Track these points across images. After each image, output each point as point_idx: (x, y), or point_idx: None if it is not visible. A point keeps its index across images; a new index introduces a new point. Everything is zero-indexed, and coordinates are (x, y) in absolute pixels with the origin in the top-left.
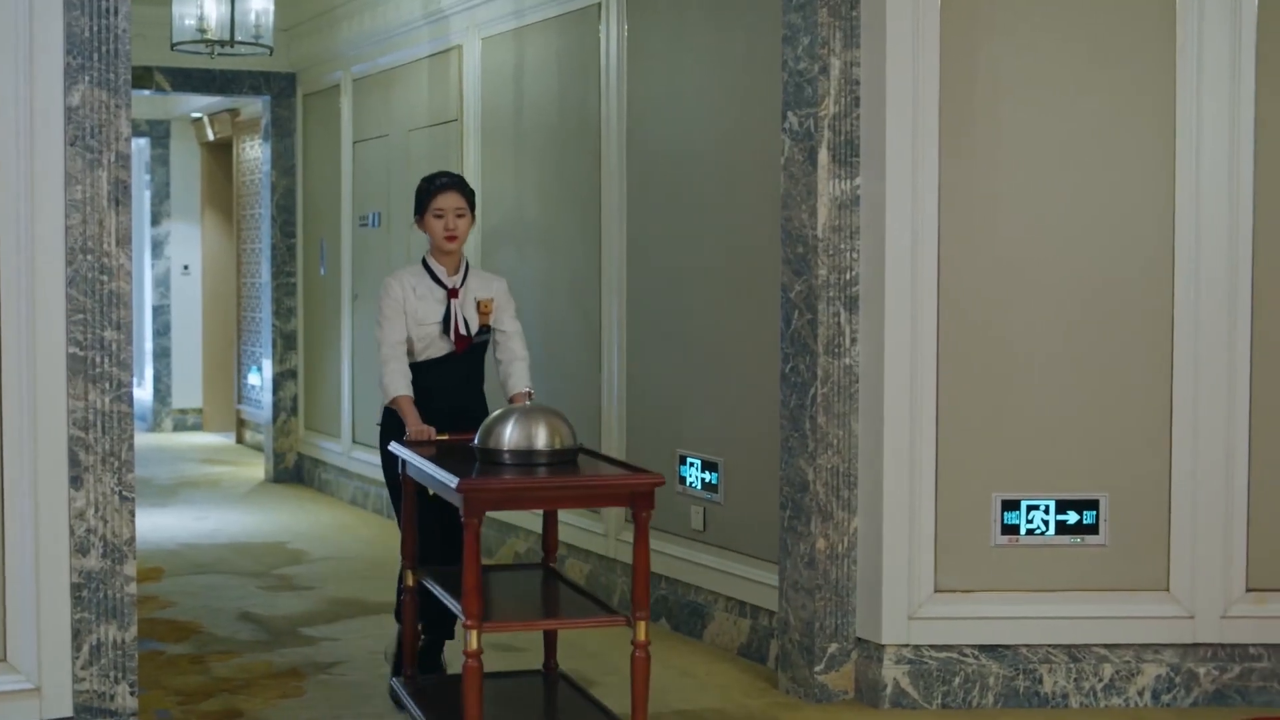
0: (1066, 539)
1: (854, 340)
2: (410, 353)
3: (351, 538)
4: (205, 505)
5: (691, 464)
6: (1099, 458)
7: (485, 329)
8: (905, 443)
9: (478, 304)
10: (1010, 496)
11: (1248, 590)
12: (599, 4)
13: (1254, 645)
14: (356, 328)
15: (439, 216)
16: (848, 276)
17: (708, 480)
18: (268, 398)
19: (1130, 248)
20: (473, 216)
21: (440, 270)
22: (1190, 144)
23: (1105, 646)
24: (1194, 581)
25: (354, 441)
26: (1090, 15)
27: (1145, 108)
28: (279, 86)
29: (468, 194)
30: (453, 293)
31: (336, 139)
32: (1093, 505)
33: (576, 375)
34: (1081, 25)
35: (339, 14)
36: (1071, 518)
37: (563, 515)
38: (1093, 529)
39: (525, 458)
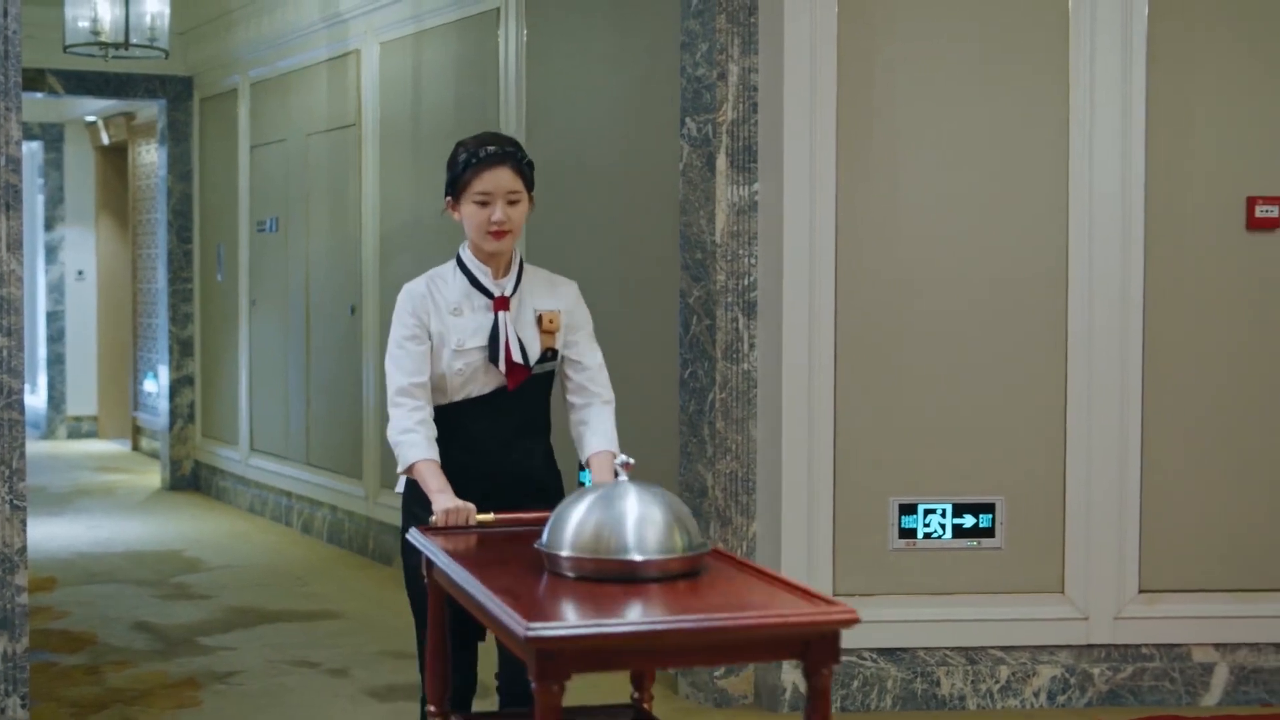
0: (963, 542)
1: (752, 345)
2: (440, 390)
3: (249, 545)
4: (100, 514)
5: (589, 472)
6: (995, 462)
7: (550, 354)
8: (803, 447)
9: (538, 318)
10: (907, 500)
11: (1140, 592)
12: (498, 9)
13: (1146, 645)
14: (254, 334)
15: (483, 203)
16: (746, 282)
17: None
18: (164, 405)
19: (1025, 252)
20: (531, 199)
21: (483, 272)
22: (1084, 147)
23: (1002, 649)
24: (1088, 584)
25: (252, 449)
26: (985, 21)
27: (1039, 111)
28: (175, 90)
29: (525, 169)
30: (501, 303)
31: (234, 143)
32: (989, 509)
33: None
34: (976, 31)
35: (236, 17)
36: (968, 521)
37: None
38: (989, 532)
39: (626, 571)
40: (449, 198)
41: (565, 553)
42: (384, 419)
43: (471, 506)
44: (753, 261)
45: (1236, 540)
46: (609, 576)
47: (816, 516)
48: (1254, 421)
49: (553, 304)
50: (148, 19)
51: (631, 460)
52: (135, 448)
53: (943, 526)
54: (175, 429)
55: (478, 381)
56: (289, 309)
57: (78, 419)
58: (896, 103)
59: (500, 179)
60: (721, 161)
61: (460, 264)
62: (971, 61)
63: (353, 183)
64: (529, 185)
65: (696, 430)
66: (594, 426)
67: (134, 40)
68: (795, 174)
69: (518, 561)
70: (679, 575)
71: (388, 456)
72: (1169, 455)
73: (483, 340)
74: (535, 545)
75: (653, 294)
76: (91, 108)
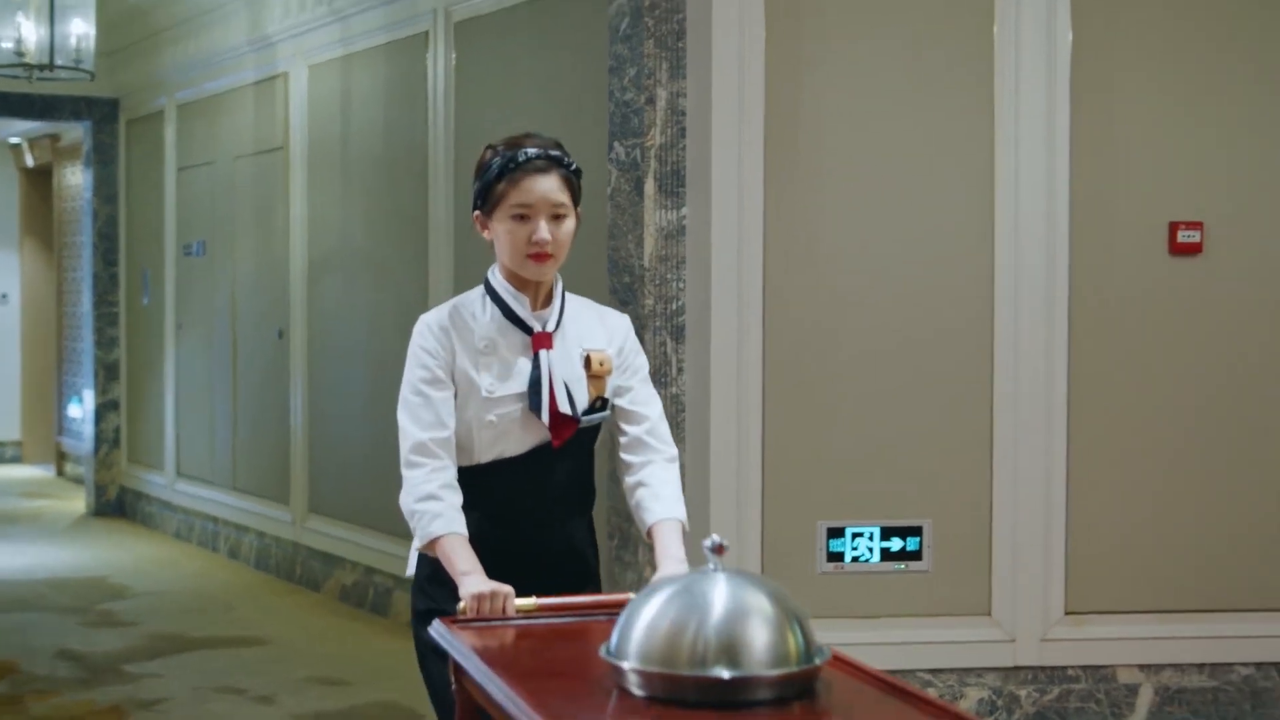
0: (891, 566)
1: (680, 369)
2: (465, 449)
3: (175, 572)
4: (23, 540)
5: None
6: (922, 485)
7: (600, 403)
8: (732, 471)
9: (586, 359)
10: (835, 524)
11: (1066, 613)
12: (426, 32)
13: (1072, 667)
14: (180, 358)
15: (521, 218)
16: (674, 306)
17: None
18: (89, 429)
19: (952, 277)
20: (578, 215)
21: (519, 301)
22: (1009, 173)
23: (930, 671)
24: (1015, 606)
25: (178, 474)
26: (911, 47)
27: (966, 137)
28: (101, 112)
29: (573, 178)
30: (543, 339)
31: (160, 166)
32: (916, 532)
33: None
34: (902, 57)
35: (163, 39)
36: (895, 544)
37: (383, 542)
38: (916, 555)
39: (714, 693)
40: (477, 211)
41: (634, 665)
42: (313, 440)
43: (509, 590)
44: (681, 285)
45: (1161, 562)
46: (691, 699)
47: (745, 539)
48: (1177, 444)
49: (603, 341)
50: (73, 40)
51: (724, 542)
52: (60, 473)
53: (870, 550)
54: (100, 454)
55: (513, 437)
56: (216, 333)
57: (1, 444)
58: (824, 128)
59: (543, 189)
60: (650, 186)
61: (490, 291)
62: (898, 88)
63: (280, 206)
64: (576, 197)
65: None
66: (657, 490)
67: (59, 62)
68: (723, 198)
69: (573, 670)
70: (788, 697)
71: (316, 479)
72: (1094, 478)
73: (520, 386)
74: (601, 652)
75: None
76: (16, 129)
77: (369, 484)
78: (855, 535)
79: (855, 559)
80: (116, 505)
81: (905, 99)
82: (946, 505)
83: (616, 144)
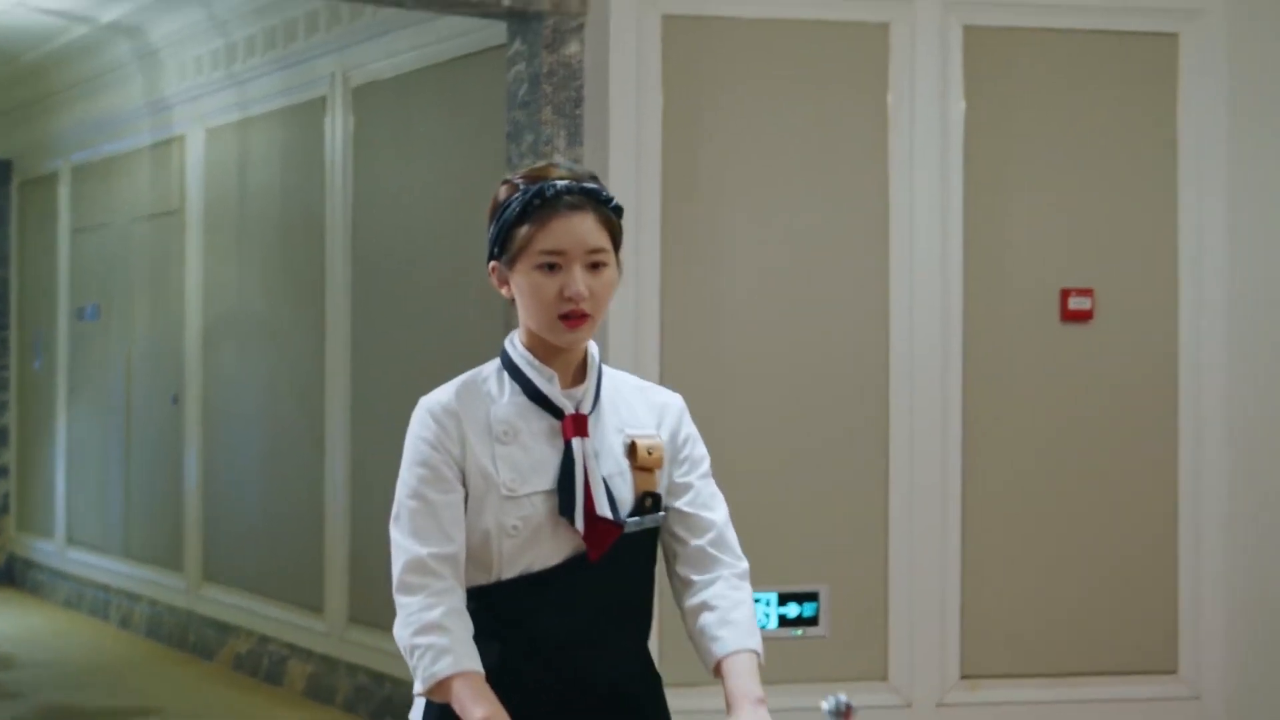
0: (787, 631)
1: None
2: (480, 562)
3: (66, 642)
4: None
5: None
6: (819, 551)
7: (651, 502)
8: None
9: (630, 447)
10: None
11: (962, 677)
12: (324, 97)
13: None
14: (72, 423)
15: (550, 268)
16: None
17: None
18: None
19: (848, 346)
20: (620, 264)
21: (546, 377)
22: (904, 244)
23: None
24: (911, 670)
25: (69, 541)
26: (808, 118)
27: (861, 208)
28: None
29: (613, 216)
30: (576, 424)
31: (54, 228)
32: (813, 598)
33: (299, 471)
34: (798, 124)
35: (58, 100)
36: (792, 610)
37: (278, 611)
38: (813, 621)
39: None
40: (494, 262)
41: None
42: (207, 506)
43: None
44: None
45: (1055, 625)
46: None
47: None
48: (1069, 509)
49: (650, 426)
50: None
51: (852, 703)
52: None
53: (767, 615)
54: None
55: (540, 548)
56: (109, 397)
57: None
58: (720, 197)
59: (577, 231)
60: None
61: (509, 365)
62: (794, 157)
63: (176, 270)
64: (617, 241)
65: None
66: (725, 613)
67: None
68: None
69: None
70: None
71: (210, 546)
72: (988, 543)
73: (548, 482)
74: None
75: None
76: None
77: (264, 550)
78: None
79: None
80: (5, 573)
81: (801, 168)
82: (843, 571)
83: None
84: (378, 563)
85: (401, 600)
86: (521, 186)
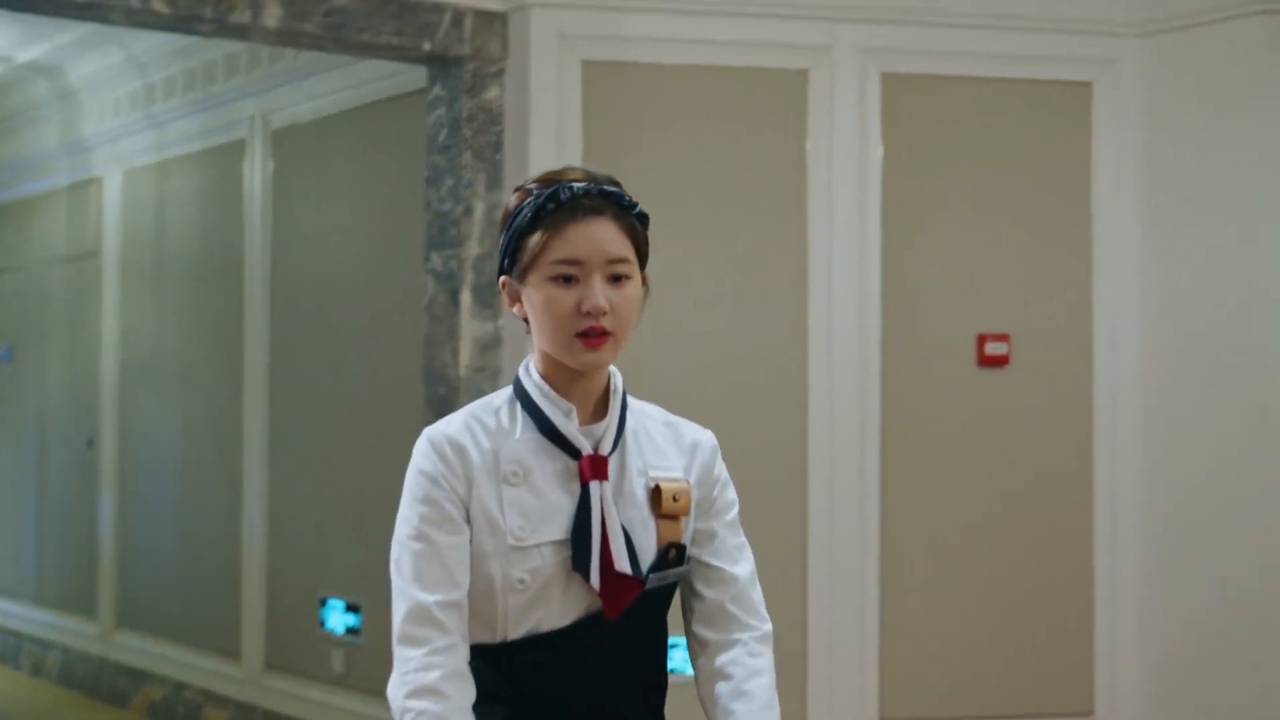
0: None
1: None
2: (482, 618)
3: None
4: None
5: (334, 606)
6: None
7: (675, 554)
8: None
9: (654, 492)
10: None
11: None
12: (243, 139)
13: None
14: None
15: (566, 280)
16: None
17: (350, 623)
18: None
19: (767, 392)
20: (646, 280)
21: (562, 411)
22: (823, 290)
23: None
24: (830, 713)
25: None
26: (727, 163)
27: (780, 253)
28: None
29: (637, 224)
30: (595, 466)
31: None
32: None
33: (216, 515)
34: (719, 170)
35: None
36: None
37: (193, 657)
38: None
39: None
40: (505, 276)
41: None
42: (122, 551)
43: None
44: None
45: (973, 667)
46: None
47: None
48: (987, 551)
49: (678, 468)
50: None
51: None
52: None
53: (685, 661)
54: None
55: (552, 604)
56: (22, 441)
57: None
58: None
59: (597, 238)
60: (466, 296)
61: (522, 395)
62: (714, 203)
63: (92, 312)
64: (643, 253)
65: None
66: (742, 684)
67: None
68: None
69: None
70: None
71: (125, 592)
72: (907, 585)
73: (560, 531)
74: None
75: (397, 428)
76: None
77: (180, 596)
78: (672, 646)
79: (671, 670)
80: None
81: (721, 213)
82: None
83: (433, 254)
84: (295, 608)
85: (401, 653)
86: (534, 191)
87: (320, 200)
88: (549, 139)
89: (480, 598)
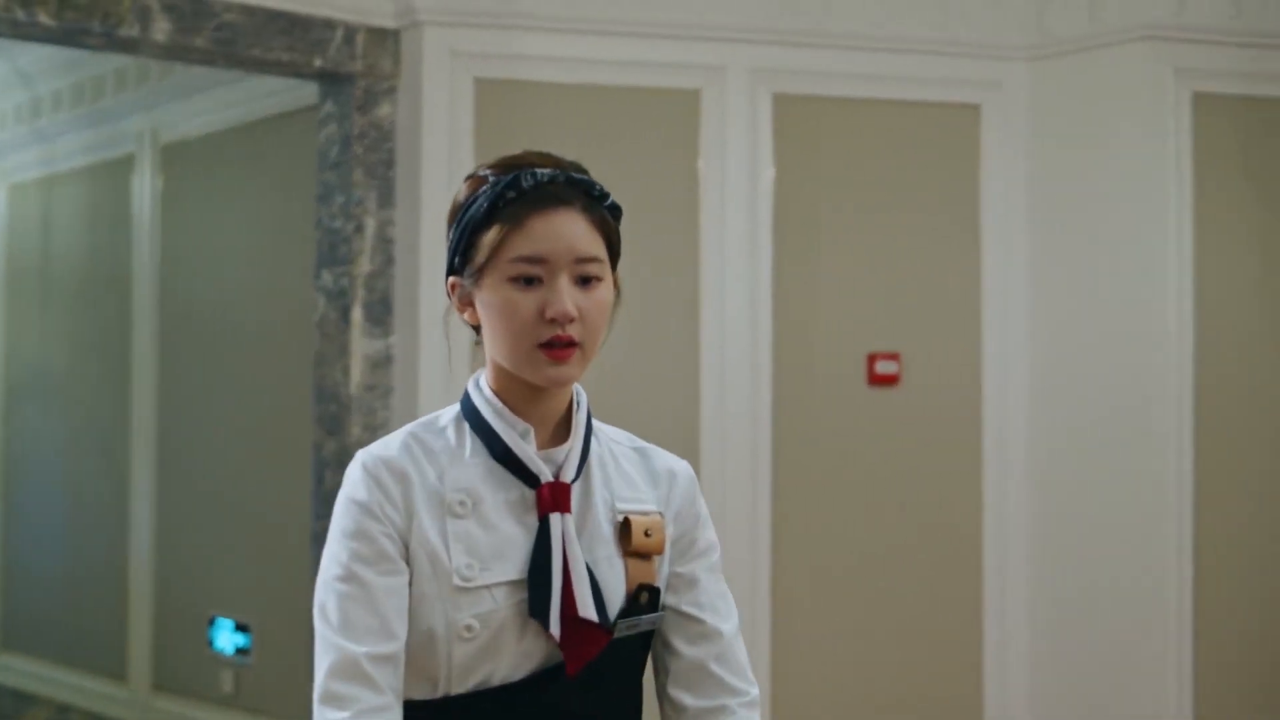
0: None
1: None
2: (426, 672)
3: None
4: None
5: (223, 626)
6: None
7: (649, 599)
8: None
9: (623, 526)
10: None
11: None
12: (132, 155)
13: None
14: None
15: (525, 281)
16: (382, 434)
17: (240, 643)
18: None
19: (659, 414)
20: (618, 286)
21: (518, 433)
22: (715, 308)
23: None
24: None
25: None
26: (618, 185)
27: (672, 277)
28: None
29: (608, 218)
30: (556, 495)
31: None
32: None
33: (103, 535)
34: (613, 193)
35: None
36: None
37: (80, 679)
38: None
39: None
40: (454, 278)
41: None
42: (5, 573)
43: None
44: (388, 415)
45: (865, 688)
46: None
47: None
48: (877, 569)
49: (650, 499)
50: None
51: None
52: None
53: None
54: None
55: (502, 656)
56: None
57: None
58: None
59: (564, 233)
60: (357, 314)
61: (471, 415)
62: None
63: None
64: (615, 253)
65: None
66: None
67: None
68: (431, 327)
69: None
70: None
71: (8, 614)
72: (797, 606)
73: (514, 570)
74: None
75: (288, 446)
76: None
77: (66, 617)
78: None
79: None
80: None
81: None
82: None
83: (324, 271)
84: (183, 627)
85: (322, 715)
86: (490, 178)
87: (210, 217)
88: (441, 156)
89: (419, 648)
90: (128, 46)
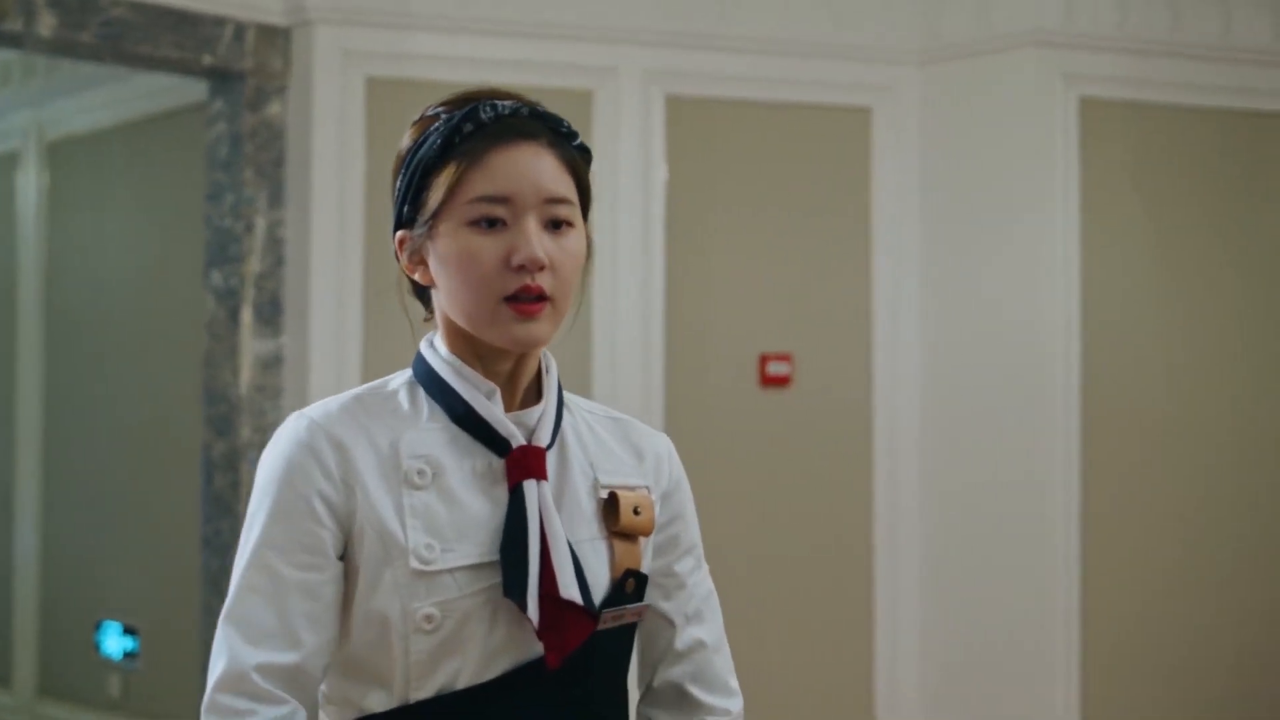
0: None
1: None
2: (379, 675)
3: None
4: None
5: (110, 629)
6: None
7: (636, 583)
8: None
9: (610, 501)
10: None
11: None
12: (17, 152)
13: None
14: None
15: (488, 224)
16: (270, 437)
17: (128, 647)
18: None
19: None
20: (590, 237)
21: (483, 392)
22: (606, 308)
23: None
24: None
25: None
26: None
27: None
28: None
29: (578, 159)
30: (526, 461)
31: None
32: None
33: None
34: None
35: None
36: None
37: None
38: None
39: None
40: (402, 231)
41: None
42: None
43: None
44: (278, 415)
45: (755, 689)
46: None
47: None
48: (767, 570)
49: (634, 475)
50: None
51: None
52: None
53: None
54: None
55: (470, 651)
56: None
57: None
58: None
59: (530, 169)
60: (247, 314)
61: (426, 377)
62: None
63: None
64: (586, 199)
65: (219, 588)
66: None
67: None
68: (322, 327)
69: None
70: None
71: None
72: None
73: (482, 551)
74: None
75: (176, 447)
76: None
77: None
78: None
79: None
80: None
81: None
82: None
83: (213, 271)
84: (70, 631)
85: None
86: (444, 115)
87: (97, 215)
88: (331, 156)
89: (370, 646)
90: (12, 41)
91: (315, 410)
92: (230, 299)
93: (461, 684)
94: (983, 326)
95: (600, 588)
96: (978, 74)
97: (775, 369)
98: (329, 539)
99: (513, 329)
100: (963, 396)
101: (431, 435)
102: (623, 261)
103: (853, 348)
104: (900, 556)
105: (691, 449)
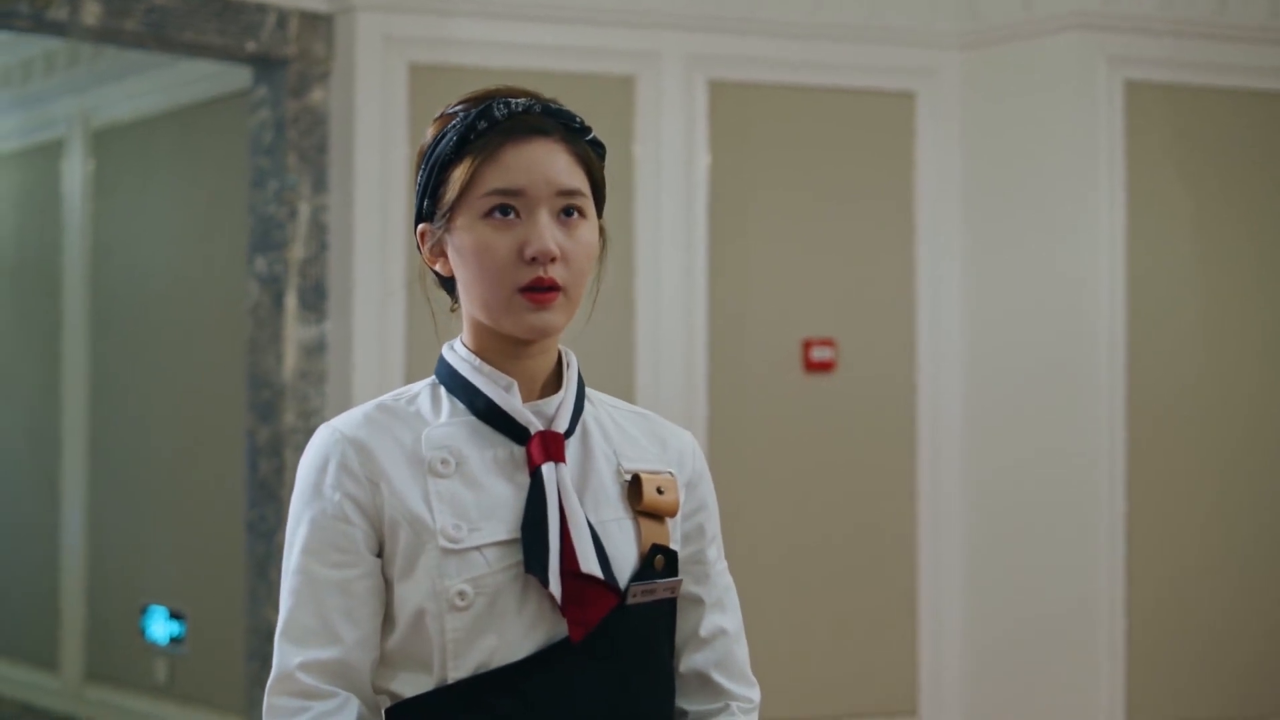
0: None
1: None
2: (418, 659)
3: None
4: None
5: (156, 614)
6: None
7: (665, 560)
8: None
9: (633, 486)
10: None
11: None
12: (62, 139)
13: None
14: None
15: (502, 213)
16: (315, 422)
17: (174, 632)
18: None
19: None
20: (603, 229)
21: (502, 386)
22: (650, 294)
23: None
24: None
25: None
26: None
27: (607, 262)
28: None
29: (591, 153)
30: (545, 445)
31: None
32: None
33: (33, 523)
34: None
35: None
36: None
37: (9, 669)
38: None
39: None
40: (423, 225)
41: None
42: None
43: None
44: (323, 401)
45: (796, 667)
46: None
47: None
48: (812, 555)
49: (658, 461)
50: None
51: None
52: None
53: None
54: None
55: (504, 628)
56: None
57: None
58: None
59: (542, 163)
60: (291, 300)
61: (448, 377)
62: None
63: None
64: (600, 193)
65: (264, 574)
66: None
67: None
68: (365, 313)
69: None
70: None
71: None
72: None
73: (507, 529)
74: None
75: (220, 433)
76: None
77: None
78: None
79: None
80: None
81: None
82: None
83: (257, 257)
84: (116, 616)
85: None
86: (461, 113)
87: (142, 201)
88: (374, 141)
89: (409, 630)
90: (57, 29)
91: (339, 419)
92: (274, 285)
93: (497, 662)
94: (1026, 311)
95: (628, 564)
96: (1020, 57)
97: (819, 354)
98: (360, 536)
99: (526, 318)
100: (1006, 381)
101: (453, 428)
102: (666, 248)
103: (896, 333)
104: (943, 541)
105: (735, 435)
